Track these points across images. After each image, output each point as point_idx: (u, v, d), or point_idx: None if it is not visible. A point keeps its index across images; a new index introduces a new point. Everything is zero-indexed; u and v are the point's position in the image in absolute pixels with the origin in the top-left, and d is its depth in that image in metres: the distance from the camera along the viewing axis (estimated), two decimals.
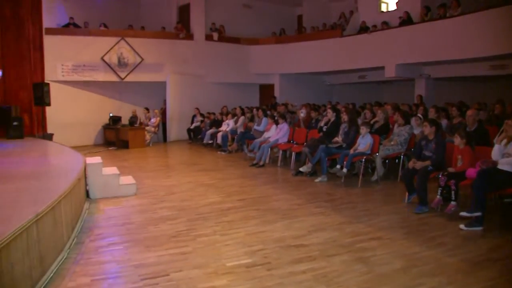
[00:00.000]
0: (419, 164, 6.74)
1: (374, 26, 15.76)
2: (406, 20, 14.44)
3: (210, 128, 15.40)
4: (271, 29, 19.91)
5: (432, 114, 9.42)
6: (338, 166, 8.58)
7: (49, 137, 14.24)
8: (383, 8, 17.21)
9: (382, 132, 9.42)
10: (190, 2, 18.18)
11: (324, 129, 9.97)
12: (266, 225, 5.87)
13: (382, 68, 14.92)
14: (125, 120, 16.35)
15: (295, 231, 5.57)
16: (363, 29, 16.10)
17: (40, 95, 13.16)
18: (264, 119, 12.32)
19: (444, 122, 9.36)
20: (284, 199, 7.39)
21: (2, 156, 9.55)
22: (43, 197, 4.70)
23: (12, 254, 3.47)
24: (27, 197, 4.91)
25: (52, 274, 4.25)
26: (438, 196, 6.42)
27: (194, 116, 17.11)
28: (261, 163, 10.76)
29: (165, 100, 17.69)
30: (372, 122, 9.89)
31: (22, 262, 3.66)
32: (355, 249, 4.90)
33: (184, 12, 18.65)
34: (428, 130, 6.92)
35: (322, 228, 5.72)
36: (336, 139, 9.29)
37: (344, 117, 9.42)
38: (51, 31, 15.56)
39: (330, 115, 10.07)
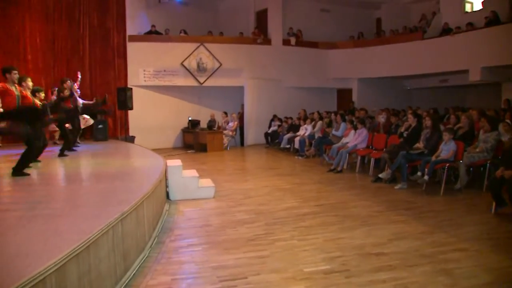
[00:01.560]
0: (508, 173, 6.36)
1: (458, 27, 15.12)
2: (493, 20, 13.74)
3: (288, 132, 15.40)
4: (349, 33, 19.62)
5: None
6: (419, 173, 8.30)
7: (131, 139, 14.86)
8: (467, 8, 16.49)
9: (467, 138, 9.00)
10: (267, 7, 18.32)
11: (405, 134, 9.68)
12: (344, 231, 5.76)
13: (466, 71, 14.28)
14: (203, 124, 16.66)
15: (375, 239, 5.42)
16: (446, 30, 15.50)
17: (123, 99, 13.77)
18: (343, 124, 12.15)
19: None
20: (363, 206, 7.23)
21: (90, 157, 10.04)
22: (127, 197, 4.88)
23: (99, 250, 3.63)
24: (112, 197, 5.11)
25: (134, 272, 4.39)
26: None
27: (271, 120, 17.19)
28: (339, 168, 10.60)
29: (242, 105, 17.91)
30: (455, 128, 9.48)
31: (108, 258, 3.81)
32: (438, 260, 4.68)
33: (261, 18, 18.81)
34: None
35: (402, 236, 5.52)
36: (417, 145, 8.99)
37: (426, 122, 9.10)
38: (134, 38, 16.25)
39: (411, 120, 9.76)
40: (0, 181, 6.49)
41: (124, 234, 4.23)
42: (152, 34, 16.91)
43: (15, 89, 6.81)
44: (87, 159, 9.87)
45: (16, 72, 6.83)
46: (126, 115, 15.55)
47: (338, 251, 4.97)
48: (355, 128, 11.23)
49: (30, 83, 7.74)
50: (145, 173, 7.11)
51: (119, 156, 10.40)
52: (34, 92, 8.33)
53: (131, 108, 14.24)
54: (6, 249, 3.31)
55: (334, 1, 19.37)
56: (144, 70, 16.34)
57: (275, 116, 17.20)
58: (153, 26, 17.02)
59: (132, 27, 16.43)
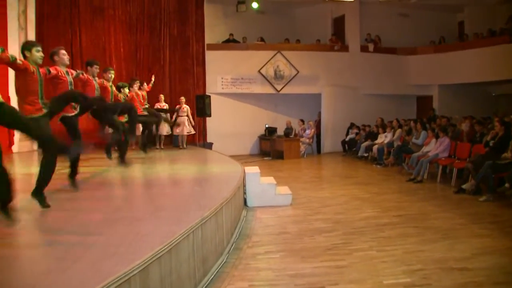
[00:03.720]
0: None
1: None
2: None
3: (366, 140, 15.12)
4: (429, 38, 18.93)
5: None
6: (506, 185, 7.86)
7: (209, 146, 15.18)
8: None
9: None
10: (345, 13, 18.15)
11: (491, 143, 9.22)
12: (425, 244, 5.54)
13: None
14: (280, 131, 16.70)
15: (458, 253, 5.17)
16: None
17: (202, 106, 14.11)
18: (423, 132, 11.73)
19: None
20: (444, 218, 6.92)
21: (169, 163, 10.35)
22: (207, 202, 4.99)
23: (180, 254, 3.73)
24: (192, 202, 5.25)
25: (212, 276, 4.46)
26: None
27: (349, 128, 16.97)
28: (419, 178, 10.24)
29: (319, 112, 17.81)
30: None
31: (188, 262, 3.90)
32: None
33: (339, 24, 18.66)
34: None
35: (488, 252, 5.22)
36: (505, 155, 8.53)
37: None
38: (212, 47, 16.70)
39: (498, 128, 9.27)
40: (81, 184, 6.81)
41: (203, 239, 4.31)
42: (230, 43, 17.28)
43: (95, 81, 7.22)
44: (167, 164, 10.19)
45: (97, 66, 7.29)
46: (204, 122, 15.91)
47: (418, 264, 4.80)
48: (437, 137, 10.82)
49: (110, 75, 8.32)
50: (224, 179, 7.23)
51: (197, 162, 10.65)
52: (119, 88, 8.83)
53: (210, 115, 14.55)
54: (93, 249, 3.48)
55: (413, 5, 18.73)
56: (222, 78, 16.69)
57: (352, 123, 16.96)
58: (231, 34, 17.36)
59: (210, 35, 16.86)
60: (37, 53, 5.07)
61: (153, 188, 7.00)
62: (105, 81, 8.02)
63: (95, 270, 2.99)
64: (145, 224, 4.26)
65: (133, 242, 3.62)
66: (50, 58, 5.91)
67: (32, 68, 5.01)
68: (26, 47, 5.08)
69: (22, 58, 4.97)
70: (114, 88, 8.63)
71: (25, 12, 12.76)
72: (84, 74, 6.88)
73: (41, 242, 3.97)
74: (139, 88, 11.15)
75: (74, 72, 6.32)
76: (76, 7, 14.15)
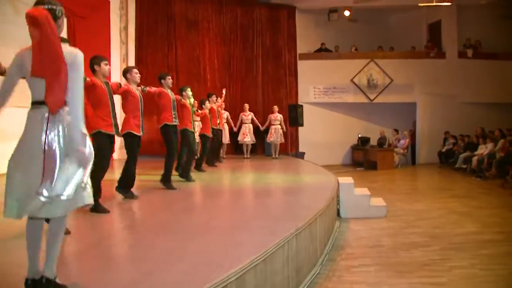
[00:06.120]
0: None
1: None
2: None
3: (464, 151, 14.42)
4: None
5: None
6: None
7: (301, 155, 15.20)
8: None
9: None
10: (441, 18, 17.46)
11: None
12: None
13: None
14: (373, 141, 16.39)
15: None
16: None
17: (294, 116, 14.22)
18: None
19: None
20: None
21: (261, 172, 10.48)
22: (301, 212, 5.01)
23: (275, 263, 3.75)
24: (286, 211, 5.29)
25: (306, 287, 4.43)
26: None
27: (446, 139, 16.29)
28: None
29: (414, 121, 17.26)
30: None
31: (282, 272, 3.92)
32: None
33: (434, 30, 17.97)
34: None
35: None
36: None
37: None
38: (304, 56, 16.79)
39: None
40: (176, 193, 7.07)
41: (297, 249, 4.31)
42: (322, 52, 17.22)
43: (170, 93, 7.50)
44: (260, 173, 10.31)
45: (170, 77, 7.56)
46: (297, 132, 15.96)
47: None
48: None
49: (189, 93, 8.66)
50: (317, 190, 7.21)
51: (290, 171, 10.72)
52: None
53: (302, 125, 14.61)
54: (189, 256, 3.62)
55: None
56: (314, 87, 16.71)
57: (447, 133, 16.21)
58: (322, 43, 17.30)
59: (302, 45, 16.94)
60: (106, 67, 5.42)
61: (247, 197, 7.12)
62: (182, 99, 8.27)
63: (193, 274, 3.11)
64: (239, 233, 4.34)
65: (228, 250, 3.71)
66: (123, 75, 6.28)
67: (99, 82, 5.35)
68: (96, 61, 5.38)
69: (90, 78, 5.26)
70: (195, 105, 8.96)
71: (126, 28, 13.74)
72: (152, 88, 7.16)
73: (144, 243, 4.16)
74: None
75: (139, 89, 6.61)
76: (172, 21, 14.79)
